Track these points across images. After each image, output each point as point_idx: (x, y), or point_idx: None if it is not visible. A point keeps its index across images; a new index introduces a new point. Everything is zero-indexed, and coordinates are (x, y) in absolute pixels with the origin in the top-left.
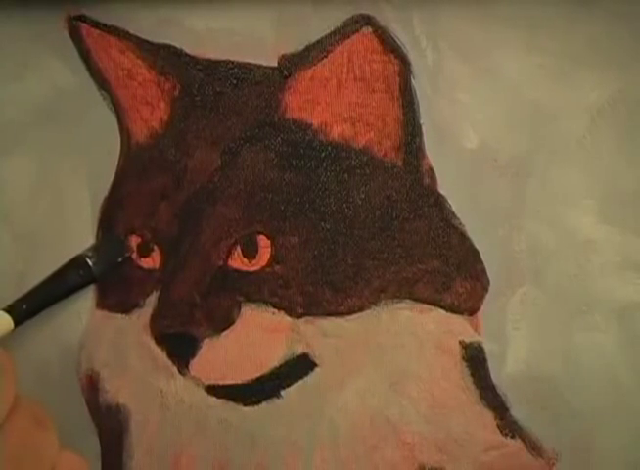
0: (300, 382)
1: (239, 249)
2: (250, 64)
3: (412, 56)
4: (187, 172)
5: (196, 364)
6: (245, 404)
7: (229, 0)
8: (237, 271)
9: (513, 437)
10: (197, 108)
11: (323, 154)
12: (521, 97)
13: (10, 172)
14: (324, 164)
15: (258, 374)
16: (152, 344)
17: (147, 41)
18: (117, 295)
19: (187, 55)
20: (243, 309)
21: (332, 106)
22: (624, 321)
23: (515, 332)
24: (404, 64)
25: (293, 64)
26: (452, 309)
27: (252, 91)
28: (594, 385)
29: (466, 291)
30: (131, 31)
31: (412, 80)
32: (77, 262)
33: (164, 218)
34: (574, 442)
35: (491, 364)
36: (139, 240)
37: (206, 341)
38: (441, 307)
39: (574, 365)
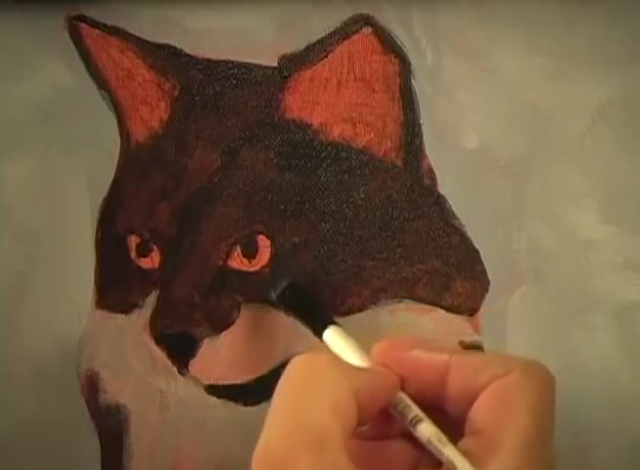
0: None
1: (239, 249)
2: (250, 64)
3: (412, 56)
4: (187, 172)
5: (196, 364)
6: (245, 404)
7: (229, 0)
8: (237, 271)
9: None
10: (197, 108)
11: (323, 154)
12: (521, 97)
13: (10, 172)
14: (324, 165)
15: (258, 374)
16: (151, 344)
17: (147, 41)
18: (117, 295)
19: (187, 55)
20: (243, 309)
21: (332, 106)
22: (624, 321)
23: (515, 332)
24: (404, 64)
25: (293, 64)
26: (452, 310)
27: (252, 91)
28: (594, 385)
29: (466, 291)
30: (131, 31)
31: (412, 80)
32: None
33: (164, 218)
34: (574, 442)
35: None
36: (138, 240)
37: (206, 341)
38: (441, 308)
39: (574, 365)
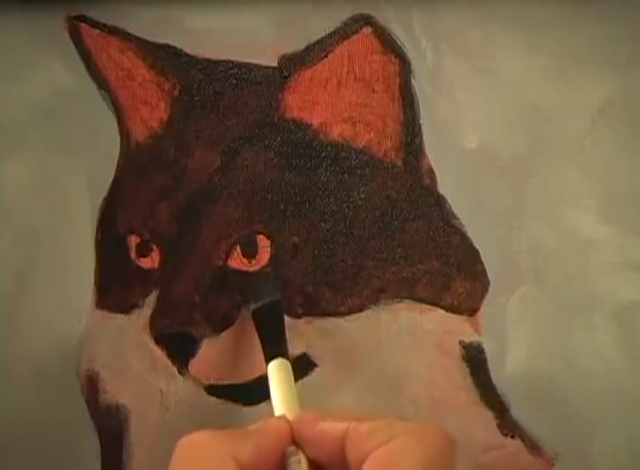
0: (300, 382)
1: (238, 249)
2: (250, 64)
3: (412, 56)
4: (187, 172)
5: (195, 364)
6: (245, 404)
7: (229, 0)
8: (237, 271)
9: (512, 437)
10: (197, 108)
11: (323, 154)
12: (520, 97)
13: (10, 172)
14: (324, 164)
15: (258, 374)
16: (151, 344)
17: (147, 41)
18: (117, 295)
19: (187, 55)
20: (242, 309)
21: (332, 106)
22: (624, 321)
23: (515, 332)
24: (404, 64)
25: (293, 64)
26: (452, 309)
27: (252, 91)
28: (594, 385)
29: (466, 291)
30: (131, 31)
31: (412, 80)
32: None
33: (164, 218)
34: (574, 442)
35: (491, 364)
36: (138, 240)
37: (206, 341)
38: (441, 307)
39: (574, 365)
